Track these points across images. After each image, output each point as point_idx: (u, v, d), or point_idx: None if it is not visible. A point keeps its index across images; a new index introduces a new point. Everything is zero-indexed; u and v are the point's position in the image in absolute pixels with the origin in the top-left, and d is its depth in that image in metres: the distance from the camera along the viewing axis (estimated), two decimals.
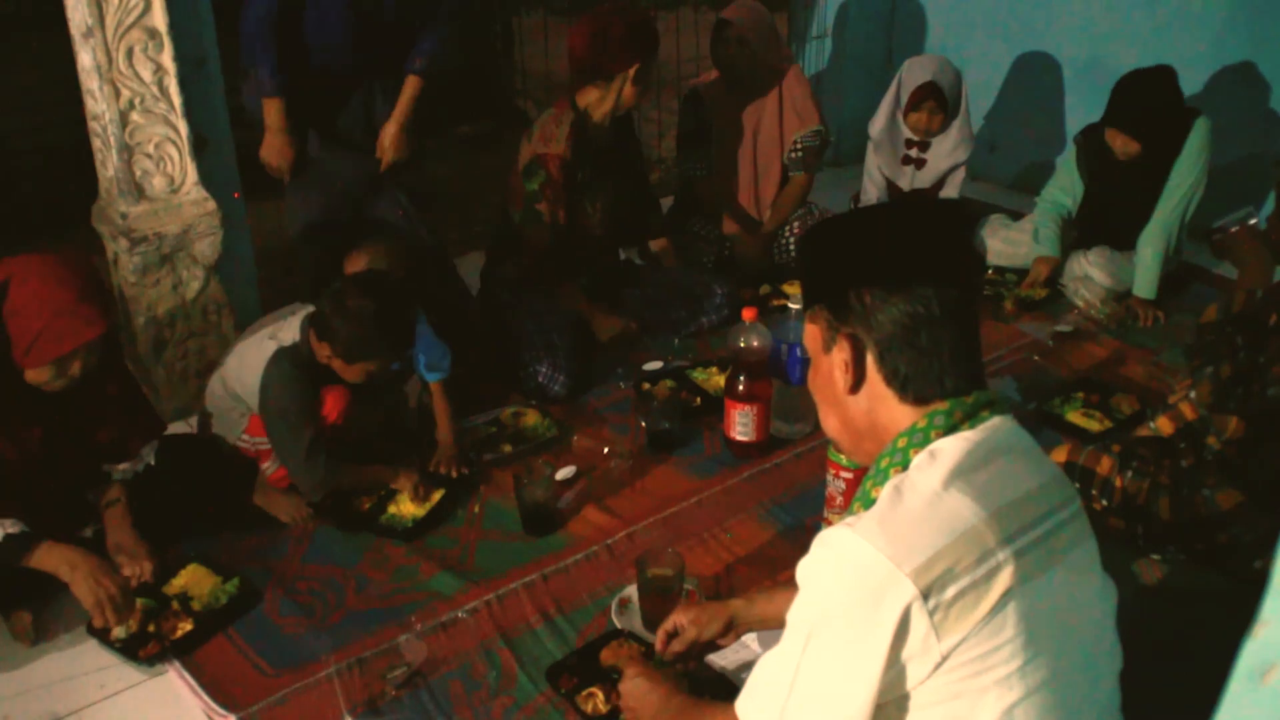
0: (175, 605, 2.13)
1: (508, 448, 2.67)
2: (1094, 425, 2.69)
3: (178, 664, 2.02)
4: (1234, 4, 3.70)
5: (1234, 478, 2.10)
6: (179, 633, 2.08)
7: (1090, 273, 3.37)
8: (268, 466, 2.45)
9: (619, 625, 2.04)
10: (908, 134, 3.64)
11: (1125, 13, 3.99)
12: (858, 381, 1.24)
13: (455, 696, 1.92)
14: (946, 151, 3.62)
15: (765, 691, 1.22)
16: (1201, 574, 2.15)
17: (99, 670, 2.03)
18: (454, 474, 2.55)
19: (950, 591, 1.06)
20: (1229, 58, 3.74)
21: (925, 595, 1.06)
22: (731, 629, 1.74)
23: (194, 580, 2.19)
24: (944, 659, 1.07)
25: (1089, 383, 2.91)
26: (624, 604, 2.09)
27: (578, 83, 3.01)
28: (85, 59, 2.60)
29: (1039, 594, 1.11)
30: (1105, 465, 2.23)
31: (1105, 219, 3.40)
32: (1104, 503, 2.22)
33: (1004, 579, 1.08)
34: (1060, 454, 2.31)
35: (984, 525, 1.09)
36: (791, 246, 3.60)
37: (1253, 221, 2.52)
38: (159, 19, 2.58)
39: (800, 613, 1.17)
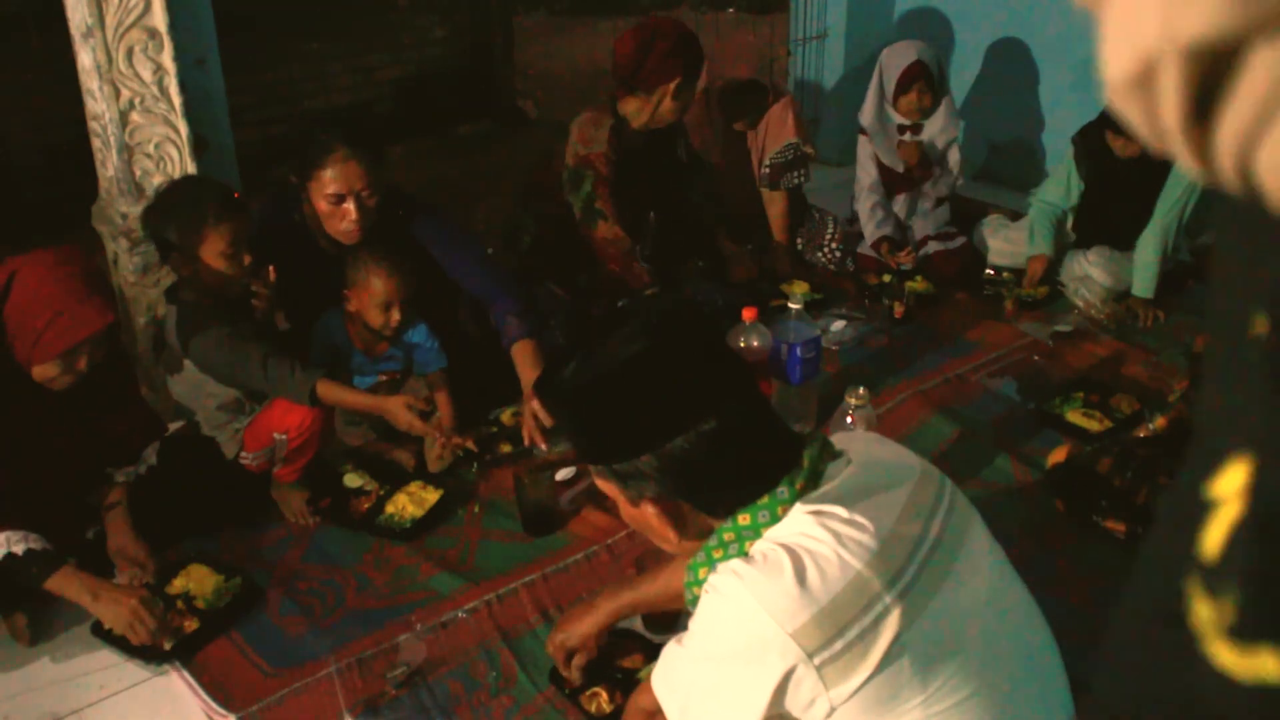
0: (180, 605, 2.12)
1: (508, 448, 2.67)
2: (1094, 425, 2.68)
3: (178, 664, 2.02)
4: None
5: None
6: (185, 632, 2.08)
7: (1090, 273, 3.37)
8: (277, 466, 2.44)
9: (619, 625, 2.04)
10: (899, 119, 3.63)
11: None
12: (678, 526, 1.21)
13: (455, 696, 1.92)
14: (938, 130, 3.62)
15: (674, 677, 1.23)
16: None
17: (99, 670, 2.03)
18: (466, 448, 2.51)
19: (838, 645, 1.05)
20: None
21: (811, 655, 1.05)
22: (608, 618, 1.78)
23: (196, 580, 2.19)
24: (834, 709, 1.07)
25: (1089, 383, 2.91)
26: None
27: (619, 91, 3.03)
28: (85, 59, 2.60)
29: (929, 626, 1.09)
30: (1104, 465, 2.23)
31: (1104, 219, 3.40)
32: (1103, 503, 2.22)
33: (891, 624, 1.06)
34: (1060, 454, 2.31)
35: (867, 570, 1.08)
36: (816, 253, 3.68)
37: None
38: (159, 19, 2.58)
39: (694, 633, 1.18)
